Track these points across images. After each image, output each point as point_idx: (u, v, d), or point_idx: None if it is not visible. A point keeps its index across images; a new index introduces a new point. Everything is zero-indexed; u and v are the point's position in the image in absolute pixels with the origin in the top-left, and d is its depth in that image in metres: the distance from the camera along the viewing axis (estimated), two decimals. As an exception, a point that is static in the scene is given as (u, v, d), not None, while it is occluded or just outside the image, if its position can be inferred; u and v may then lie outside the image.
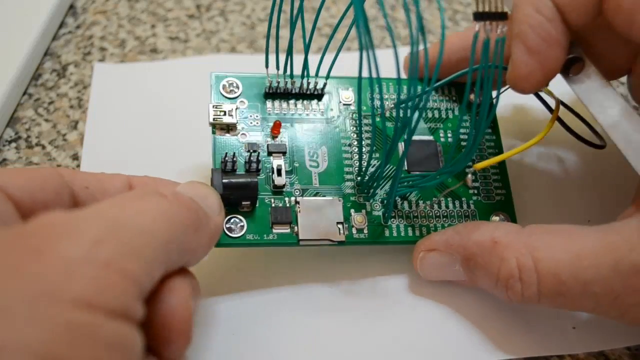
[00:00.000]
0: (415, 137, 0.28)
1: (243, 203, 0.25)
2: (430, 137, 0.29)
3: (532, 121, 0.33)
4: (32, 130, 0.32)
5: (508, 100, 0.30)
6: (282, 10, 0.26)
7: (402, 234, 0.27)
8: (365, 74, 0.21)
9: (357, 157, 0.28)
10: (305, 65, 0.28)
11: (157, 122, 0.32)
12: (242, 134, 0.27)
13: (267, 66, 0.28)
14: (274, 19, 0.26)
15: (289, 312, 0.26)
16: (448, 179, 0.28)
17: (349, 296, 0.27)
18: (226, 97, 0.28)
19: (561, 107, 0.32)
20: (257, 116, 0.28)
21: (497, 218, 0.27)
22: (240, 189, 0.25)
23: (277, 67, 0.28)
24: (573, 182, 0.31)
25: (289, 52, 0.27)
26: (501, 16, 0.23)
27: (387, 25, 0.21)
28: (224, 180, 0.25)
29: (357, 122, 0.28)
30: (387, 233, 0.27)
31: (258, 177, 0.26)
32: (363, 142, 0.27)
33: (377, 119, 0.28)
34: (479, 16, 0.23)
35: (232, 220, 0.25)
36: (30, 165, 0.31)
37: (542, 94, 0.28)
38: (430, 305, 0.27)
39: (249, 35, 0.38)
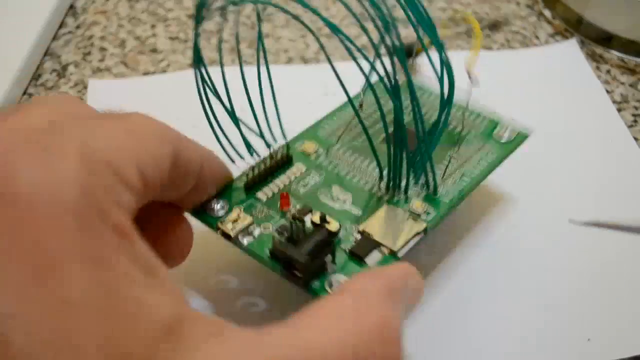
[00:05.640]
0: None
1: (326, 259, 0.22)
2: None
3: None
4: (32, 130, 0.32)
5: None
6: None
7: (456, 193, 0.25)
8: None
9: (371, 171, 0.26)
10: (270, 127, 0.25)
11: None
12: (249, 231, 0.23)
13: (232, 161, 0.25)
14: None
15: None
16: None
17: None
18: (216, 218, 0.24)
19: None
20: (259, 210, 0.24)
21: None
22: (321, 246, 0.21)
23: (240, 156, 0.25)
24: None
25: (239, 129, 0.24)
26: None
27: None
28: (304, 250, 0.21)
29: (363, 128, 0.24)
30: (446, 200, 0.24)
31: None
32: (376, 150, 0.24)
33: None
34: None
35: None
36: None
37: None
38: None
39: (248, 35, 0.38)
